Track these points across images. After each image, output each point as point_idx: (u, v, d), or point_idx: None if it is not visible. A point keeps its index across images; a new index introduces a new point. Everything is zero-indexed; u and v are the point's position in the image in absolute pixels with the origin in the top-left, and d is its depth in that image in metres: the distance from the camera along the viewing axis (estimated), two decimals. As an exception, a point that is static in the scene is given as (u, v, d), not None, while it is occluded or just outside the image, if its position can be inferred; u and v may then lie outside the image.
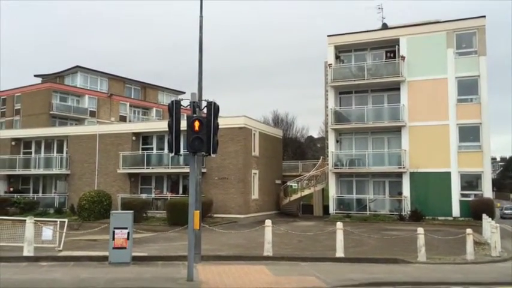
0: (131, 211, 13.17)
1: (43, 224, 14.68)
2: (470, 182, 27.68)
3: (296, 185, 33.43)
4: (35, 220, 13.87)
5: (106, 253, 12.44)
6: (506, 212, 44.07)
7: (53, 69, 48.46)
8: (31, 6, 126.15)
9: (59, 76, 47.82)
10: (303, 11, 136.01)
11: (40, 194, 33.67)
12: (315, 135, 74.09)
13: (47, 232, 14.70)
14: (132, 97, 51.04)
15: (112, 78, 49.05)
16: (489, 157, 27.73)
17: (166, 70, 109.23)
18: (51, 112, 42.06)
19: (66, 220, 15.70)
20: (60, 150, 34.02)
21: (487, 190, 26.69)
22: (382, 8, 33.76)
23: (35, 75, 49.78)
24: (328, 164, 30.92)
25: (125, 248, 11.95)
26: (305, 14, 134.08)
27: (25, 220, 13.62)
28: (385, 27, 32.59)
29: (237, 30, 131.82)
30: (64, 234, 14.86)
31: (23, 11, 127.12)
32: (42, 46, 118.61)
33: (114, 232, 11.94)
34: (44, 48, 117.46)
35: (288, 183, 33.38)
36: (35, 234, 13.80)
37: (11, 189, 34.01)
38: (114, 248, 11.96)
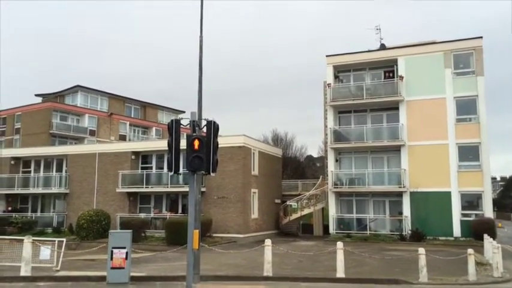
0: (130, 230, 13.09)
1: (41, 244, 14.57)
2: (471, 201, 27.55)
3: (296, 204, 33.24)
4: (32, 240, 13.77)
5: (104, 273, 12.32)
6: None
7: (54, 90, 48.61)
8: (33, 28, 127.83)
9: (59, 95, 48.09)
10: (303, 32, 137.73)
11: (38, 213, 33.45)
12: (314, 155, 74.06)
13: (45, 252, 14.59)
14: (132, 116, 51.23)
15: (112, 97, 49.32)
16: (489, 177, 27.67)
17: (167, 90, 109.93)
18: (51, 131, 42.14)
19: (64, 239, 15.57)
20: (59, 169, 33.96)
21: (487, 210, 26.55)
22: (380, 29, 34.15)
23: (36, 95, 50.06)
24: (327, 183, 30.83)
25: (123, 268, 11.84)
26: (304, 35, 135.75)
27: (23, 239, 13.53)
28: (383, 47, 32.94)
29: (237, 51, 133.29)
30: (62, 253, 14.74)
31: (25, 31, 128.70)
32: (43, 67, 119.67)
33: (112, 252, 11.85)
34: (44, 69, 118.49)
35: (288, 203, 33.20)
36: (33, 253, 13.70)
37: (9, 208, 33.80)
38: (112, 267, 11.86)
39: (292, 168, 57.50)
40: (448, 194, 27.24)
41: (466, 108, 27.97)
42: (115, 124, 47.79)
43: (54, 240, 15.13)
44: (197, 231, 10.39)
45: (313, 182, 36.24)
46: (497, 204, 69.60)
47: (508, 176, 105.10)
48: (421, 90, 28.78)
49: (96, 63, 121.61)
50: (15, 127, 45.06)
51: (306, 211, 32.33)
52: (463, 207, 27.19)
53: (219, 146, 10.81)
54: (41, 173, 34.27)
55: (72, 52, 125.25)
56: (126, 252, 11.88)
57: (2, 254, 14.49)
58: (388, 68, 30.76)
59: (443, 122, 28.01)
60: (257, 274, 13.63)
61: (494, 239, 19.77)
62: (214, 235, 26.47)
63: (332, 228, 29.31)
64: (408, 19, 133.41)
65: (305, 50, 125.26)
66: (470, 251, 13.73)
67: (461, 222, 26.74)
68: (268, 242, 13.89)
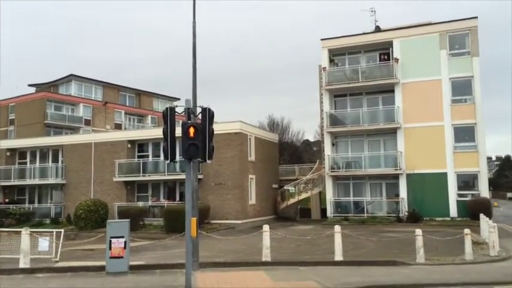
0: (127, 220, 13.09)
1: (39, 235, 14.57)
2: (467, 182, 27.74)
3: (293, 189, 33.35)
4: (30, 231, 13.76)
5: (103, 263, 12.34)
6: None
7: (48, 79, 48.15)
8: (25, 17, 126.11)
9: (53, 85, 47.66)
10: (298, 16, 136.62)
11: (36, 205, 33.44)
12: (311, 139, 74.17)
13: (43, 243, 14.60)
14: (127, 105, 50.90)
15: (106, 86, 48.93)
16: (485, 157, 27.81)
17: (162, 77, 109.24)
18: (45, 121, 41.85)
19: (62, 230, 15.56)
20: (55, 160, 33.83)
21: (483, 190, 26.74)
22: (375, 11, 33.97)
23: (29, 85, 49.58)
24: (324, 167, 30.89)
25: (122, 257, 11.86)
26: (300, 19, 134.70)
27: (21, 231, 13.51)
28: (378, 30, 32.72)
29: (233, 36, 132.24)
30: (60, 244, 14.74)
31: (17, 21, 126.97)
32: (36, 56, 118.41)
33: (110, 241, 11.86)
34: (38, 58, 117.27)
35: (285, 188, 33.32)
36: (31, 245, 13.70)
37: (6, 200, 33.73)
38: (111, 257, 11.88)
39: (289, 153, 57.60)
40: (444, 175, 27.38)
41: (462, 89, 27.95)
42: (110, 113, 47.50)
43: (52, 231, 15.13)
44: (195, 218, 10.36)
45: (310, 167, 36.31)
46: (493, 183, 70.18)
47: (503, 156, 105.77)
48: (416, 72, 28.68)
49: (90, 51, 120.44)
50: (10, 118, 44.72)
51: (304, 195, 32.47)
52: (459, 188, 27.38)
53: (215, 132, 10.74)
54: (37, 164, 34.14)
55: (66, 40, 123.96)
56: (125, 242, 11.89)
57: (0, 246, 14.48)
58: (384, 51, 30.59)
59: (438, 103, 28.00)
60: (256, 259, 13.70)
61: (490, 218, 19.92)
62: (213, 222, 26.56)
63: (330, 212, 29.48)
64: (403, 3, 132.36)
65: (301, 34, 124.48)
66: (466, 230, 13.84)
67: (458, 202, 26.94)
68: (266, 227, 13.95)
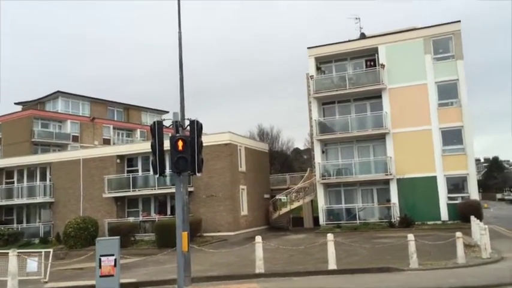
0: (117, 237, 12.86)
1: (27, 256, 14.29)
2: (457, 184, 27.89)
3: (285, 198, 33.28)
4: (18, 252, 13.48)
5: (93, 282, 12.09)
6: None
7: (34, 97, 47.68)
8: (11, 35, 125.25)
9: (39, 102, 47.19)
10: (285, 25, 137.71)
11: (24, 224, 32.89)
12: (301, 147, 74.28)
13: (32, 264, 14.32)
14: (115, 119, 50.52)
15: (94, 101, 48.57)
16: (473, 159, 27.99)
17: (150, 91, 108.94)
18: (32, 139, 41.32)
19: (51, 250, 15.29)
20: (43, 178, 33.36)
21: (473, 192, 26.90)
22: (359, 18, 34.25)
23: (15, 103, 49.02)
24: (315, 175, 30.90)
25: (112, 275, 11.61)
26: (286, 29, 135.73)
27: (8, 253, 13.23)
28: (363, 36, 33.01)
29: (220, 47, 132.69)
30: (49, 264, 14.48)
31: (2, 38, 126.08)
32: (22, 74, 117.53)
33: (100, 260, 11.62)
34: (23, 76, 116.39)
35: (277, 197, 33.22)
36: (20, 266, 13.42)
37: (-6, 220, 33.17)
38: (101, 276, 11.62)
39: (279, 162, 57.56)
40: (433, 179, 27.52)
41: (447, 92, 28.23)
42: (98, 128, 47.10)
43: (41, 251, 14.85)
44: (186, 233, 10.24)
45: (301, 175, 36.31)
46: (482, 185, 70.82)
47: (491, 157, 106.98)
48: (402, 77, 28.94)
49: (77, 67, 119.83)
50: (-4, 137, 44.09)
51: (296, 204, 32.39)
52: (449, 191, 27.51)
53: (205, 144, 10.69)
54: (25, 183, 33.63)
55: (51, 57, 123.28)
56: (115, 259, 11.65)
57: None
58: (369, 57, 30.84)
59: (425, 107, 28.24)
60: (249, 272, 13.56)
61: (480, 220, 20.04)
62: (205, 234, 26.32)
63: (322, 220, 29.41)
64: (387, 11, 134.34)
65: (287, 43, 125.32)
66: (458, 234, 13.84)
67: (448, 205, 27.06)
68: (258, 238, 13.83)
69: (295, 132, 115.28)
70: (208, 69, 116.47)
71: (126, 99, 71.12)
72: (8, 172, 34.81)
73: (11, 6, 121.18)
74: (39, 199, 32.02)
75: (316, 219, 32.12)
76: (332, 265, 13.33)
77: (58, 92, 45.84)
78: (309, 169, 37.44)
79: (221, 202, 27.35)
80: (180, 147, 9.76)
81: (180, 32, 12.65)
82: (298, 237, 25.80)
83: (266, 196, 33.65)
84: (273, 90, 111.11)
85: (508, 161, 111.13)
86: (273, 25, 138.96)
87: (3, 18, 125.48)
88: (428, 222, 26.56)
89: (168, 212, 29.09)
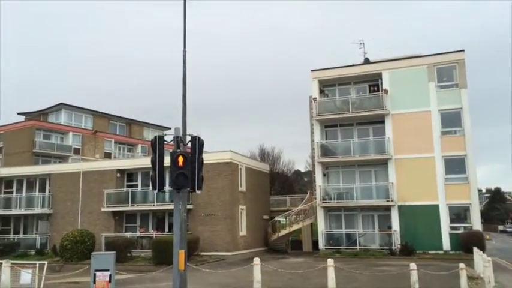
0: (113, 252, 12.62)
1: (21, 268, 14.03)
2: (459, 214, 27.54)
3: (284, 220, 32.91)
4: (12, 263, 13.24)
5: (86, 297, 11.82)
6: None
7: (37, 108, 47.83)
8: (15, 46, 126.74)
9: (42, 114, 47.29)
10: (288, 48, 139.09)
11: (21, 235, 32.54)
12: (302, 169, 74.04)
13: (25, 276, 14.06)
14: (117, 134, 50.57)
15: (96, 115, 48.70)
16: (476, 189, 27.71)
17: (153, 107, 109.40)
18: (34, 150, 41.23)
19: (45, 262, 15.05)
20: (42, 189, 33.16)
21: (475, 222, 26.54)
22: (363, 43, 34.48)
23: (18, 113, 49.15)
24: (316, 198, 30.62)
25: (106, 291, 11.34)
26: (290, 51, 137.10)
27: (1, 263, 12.99)
28: (367, 61, 33.21)
29: (224, 68, 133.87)
30: (44, 277, 14.21)
31: (7, 49, 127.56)
32: (26, 85, 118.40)
33: (95, 275, 11.36)
34: (27, 88, 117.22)
35: (276, 219, 32.86)
36: (13, 278, 13.16)
37: (-10, 230, 32.84)
38: (95, 291, 11.35)
39: (280, 183, 57.30)
40: (436, 207, 27.21)
41: (451, 120, 28.18)
42: (100, 142, 47.07)
43: (36, 263, 14.60)
44: (183, 251, 10.03)
45: (301, 197, 36.01)
46: (483, 216, 70.13)
47: (493, 188, 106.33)
48: (406, 103, 28.95)
49: (81, 81, 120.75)
50: (-3, 147, 44.06)
51: (295, 227, 32.00)
52: (452, 220, 27.15)
53: (206, 162, 10.54)
54: (24, 193, 33.44)
55: (56, 70, 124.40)
56: (110, 275, 11.39)
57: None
58: (373, 82, 30.94)
59: (428, 134, 28.14)
60: (246, 294, 13.25)
61: (483, 251, 19.65)
62: (202, 253, 25.96)
63: (321, 244, 28.98)
64: (391, 36, 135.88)
65: (291, 65, 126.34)
66: (462, 265, 13.57)
67: (450, 235, 26.68)
68: (257, 260, 13.58)
69: (296, 154, 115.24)
70: (210, 88, 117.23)
71: (127, 114, 71.11)
72: (7, 182, 34.63)
73: (20, 19, 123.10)
74: (37, 210, 31.74)
75: (315, 243, 31.67)
76: (331, 291, 13.03)
77: (61, 104, 45.99)
78: (309, 192, 37.16)
79: (220, 221, 27.05)
80: (181, 163, 9.63)
81: (184, 50, 12.68)
82: (297, 261, 25.39)
83: (265, 217, 33.32)
84: (275, 111, 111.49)
85: (510, 192, 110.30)
86: (278, 48, 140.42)
87: (11, 29, 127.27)
88: (430, 252, 26.14)
89: (166, 228, 28.76)
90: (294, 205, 34.77)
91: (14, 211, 32.46)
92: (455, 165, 27.60)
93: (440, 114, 28.33)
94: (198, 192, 10.26)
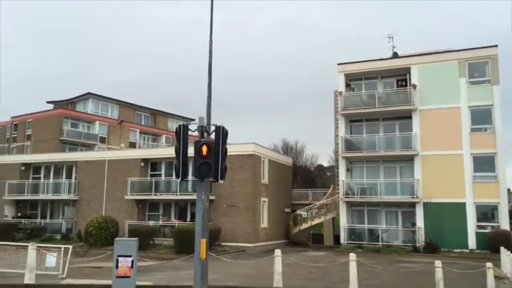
0: (136, 238, 12.75)
1: (46, 251, 14.35)
2: (486, 213, 26.82)
3: (306, 213, 32.77)
4: (37, 246, 13.55)
5: (109, 281, 11.98)
6: None
7: (66, 97, 48.90)
8: (46, 36, 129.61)
9: (70, 103, 48.31)
10: (315, 41, 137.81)
11: (48, 220, 33.37)
12: (325, 164, 73.61)
13: (51, 259, 14.37)
14: (142, 124, 51.28)
15: (123, 105, 49.43)
16: (505, 188, 26.94)
17: (179, 98, 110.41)
18: (61, 138, 42.24)
19: (70, 247, 15.37)
20: (69, 176, 33.92)
21: (504, 222, 25.81)
22: (392, 37, 33.80)
23: (47, 102, 50.34)
24: (338, 193, 30.32)
25: (128, 277, 11.47)
26: (317, 44, 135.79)
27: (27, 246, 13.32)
28: (395, 56, 32.53)
29: (249, 61, 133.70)
30: (68, 261, 14.50)
31: (39, 40, 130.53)
32: (57, 75, 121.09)
33: (117, 260, 11.51)
34: (58, 78, 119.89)
35: (298, 212, 32.75)
36: (38, 261, 13.48)
37: (19, 214, 33.81)
38: (117, 276, 11.49)
39: (302, 177, 57.08)
40: (462, 205, 26.57)
41: (481, 117, 27.38)
42: (125, 131, 47.82)
43: (61, 247, 14.92)
44: (204, 240, 10.02)
45: (324, 191, 35.74)
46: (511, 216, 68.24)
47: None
48: (434, 99, 28.27)
49: (108, 71, 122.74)
50: (27, 133, 45.31)
51: (316, 221, 31.85)
52: (478, 219, 26.47)
53: (229, 153, 10.47)
54: (51, 180, 34.25)
55: (85, 60, 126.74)
56: (132, 261, 11.50)
57: (6, 260, 14.27)
58: (401, 77, 30.31)
59: (457, 131, 27.43)
60: (267, 285, 13.23)
61: (511, 251, 19.09)
62: (223, 244, 26.09)
63: (343, 239, 28.73)
64: (421, 30, 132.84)
65: (317, 59, 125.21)
66: (489, 264, 13.19)
67: (477, 234, 26.03)
68: (278, 252, 13.51)
69: (319, 148, 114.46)
70: (235, 81, 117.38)
71: (152, 104, 71.98)
72: (35, 168, 35.55)
73: (50, 10, 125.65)
74: (63, 196, 32.50)
75: (336, 238, 31.45)
76: (353, 285, 12.85)
77: (89, 93, 46.88)
78: (332, 186, 36.89)
79: (241, 213, 27.11)
80: (204, 153, 9.58)
81: (211, 41, 12.62)
82: (318, 254, 25.26)
83: (287, 210, 33.22)
84: (298, 105, 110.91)
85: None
86: (303, 40, 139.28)
87: (43, 20, 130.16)
88: (455, 250, 25.59)
89: (188, 218, 29.03)
90: (316, 199, 34.54)
91: (42, 196, 33.30)
92: (484, 163, 26.84)
93: (470, 110, 27.56)
94: (221, 181, 10.21)
